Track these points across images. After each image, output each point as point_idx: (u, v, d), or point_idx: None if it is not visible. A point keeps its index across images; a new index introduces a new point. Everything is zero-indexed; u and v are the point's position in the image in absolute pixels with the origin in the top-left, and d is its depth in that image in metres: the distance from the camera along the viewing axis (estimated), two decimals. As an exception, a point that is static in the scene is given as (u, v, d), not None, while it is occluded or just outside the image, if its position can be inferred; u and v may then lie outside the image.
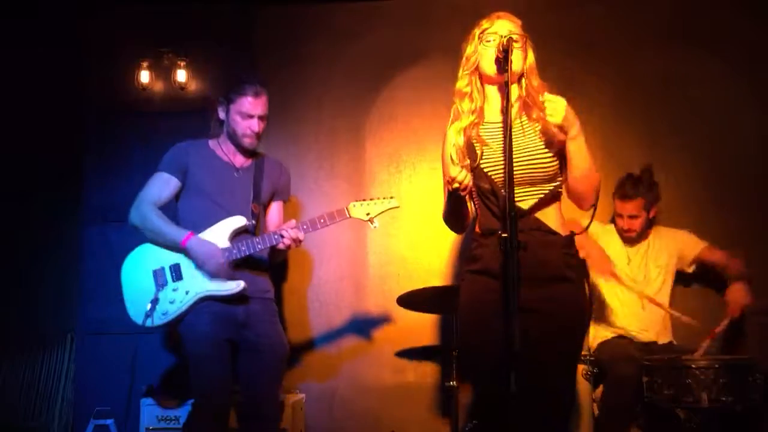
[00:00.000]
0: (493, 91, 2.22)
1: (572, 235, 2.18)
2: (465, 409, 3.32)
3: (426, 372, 3.66)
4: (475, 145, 2.17)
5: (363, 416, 3.64)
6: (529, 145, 2.12)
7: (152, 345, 3.64)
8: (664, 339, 3.24)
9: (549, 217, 2.14)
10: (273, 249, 2.82)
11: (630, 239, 3.32)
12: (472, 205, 2.27)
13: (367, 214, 2.80)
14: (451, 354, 3.18)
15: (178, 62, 3.91)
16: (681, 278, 3.40)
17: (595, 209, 2.17)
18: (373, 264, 3.81)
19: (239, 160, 2.90)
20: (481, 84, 2.22)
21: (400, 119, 3.88)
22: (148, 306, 2.70)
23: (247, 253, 2.73)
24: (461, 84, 2.23)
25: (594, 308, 3.38)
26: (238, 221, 2.77)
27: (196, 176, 2.82)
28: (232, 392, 2.71)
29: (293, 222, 2.76)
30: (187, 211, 2.84)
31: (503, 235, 1.85)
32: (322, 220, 2.76)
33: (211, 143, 2.92)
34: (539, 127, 2.14)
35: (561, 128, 2.02)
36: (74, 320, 3.85)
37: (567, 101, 2.03)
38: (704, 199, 3.57)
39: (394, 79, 3.89)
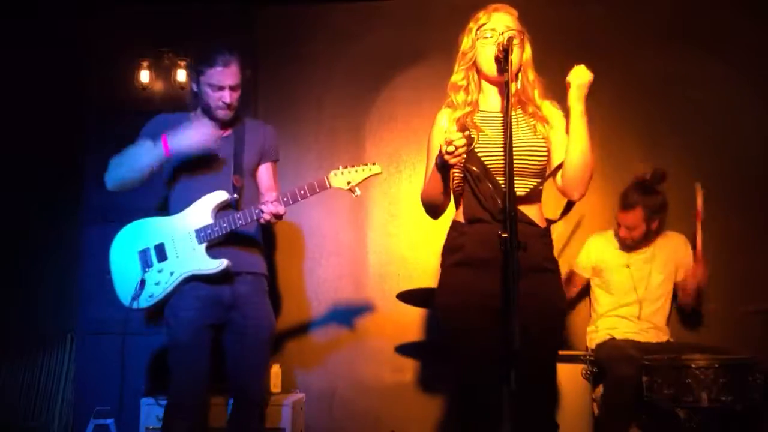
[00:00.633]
0: (489, 84, 2.23)
1: (549, 225, 2.20)
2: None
3: (426, 372, 3.65)
4: (471, 130, 2.15)
5: (363, 416, 3.64)
6: (521, 137, 2.12)
7: (152, 345, 3.65)
8: (662, 338, 3.24)
9: (531, 210, 2.15)
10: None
11: (628, 246, 3.31)
12: (451, 193, 2.24)
13: (348, 183, 2.62)
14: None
15: (178, 62, 3.91)
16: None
17: (573, 203, 2.18)
18: (373, 264, 3.81)
19: (218, 130, 2.79)
20: (478, 79, 2.22)
21: (400, 119, 3.88)
22: (135, 289, 2.65)
23: (228, 230, 2.64)
24: (457, 77, 2.23)
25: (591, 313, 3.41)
26: (220, 196, 2.68)
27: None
28: (208, 386, 2.66)
29: (273, 195, 2.67)
30: (172, 186, 2.79)
31: (503, 235, 1.84)
32: (302, 192, 2.62)
33: (192, 117, 2.83)
34: (533, 122, 2.15)
35: (578, 92, 2.04)
36: (74, 320, 3.85)
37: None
38: (704, 199, 3.56)
39: (394, 79, 3.89)
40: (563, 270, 2.75)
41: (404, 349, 3.68)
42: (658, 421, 2.91)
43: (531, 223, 2.13)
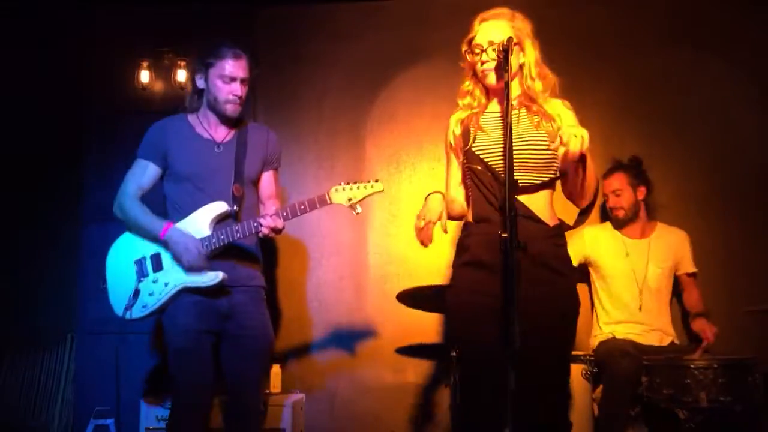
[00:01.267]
0: (492, 89, 2.24)
1: (560, 224, 2.18)
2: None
3: (426, 372, 3.66)
4: (471, 129, 2.19)
5: (363, 416, 3.64)
6: (521, 133, 2.12)
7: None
8: (665, 341, 3.25)
9: (537, 205, 2.13)
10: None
11: (621, 221, 3.31)
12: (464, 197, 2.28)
13: (349, 200, 2.57)
14: (451, 354, 3.18)
15: (178, 62, 3.91)
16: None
17: (592, 207, 2.18)
18: (373, 264, 3.81)
19: (221, 134, 2.75)
20: (483, 84, 2.25)
21: (400, 119, 3.89)
22: (129, 298, 2.64)
23: (226, 242, 2.61)
24: (465, 85, 2.28)
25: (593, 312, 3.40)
26: (219, 207, 2.64)
27: (176, 159, 2.70)
28: (212, 391, 2.65)
29: (273, 209, 2.65)
30: (172, 195, 2.75)
31: (503, 235, 1.85)
32: (302, 207, 2.59)
33: (190, 118, 2.77)
34: (536, 118, 2.15)
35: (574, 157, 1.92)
36: (74, 320, 3.85)
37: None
38: (705, 200, 3.57)
39: (394, 79, 3.89)
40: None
41: (404, 350, 3.68)
42: (658, 422, 2.91)
43: (536, 219, 2.12)
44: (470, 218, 2.22)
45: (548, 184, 2.17)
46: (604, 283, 3.34)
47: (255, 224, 2.59)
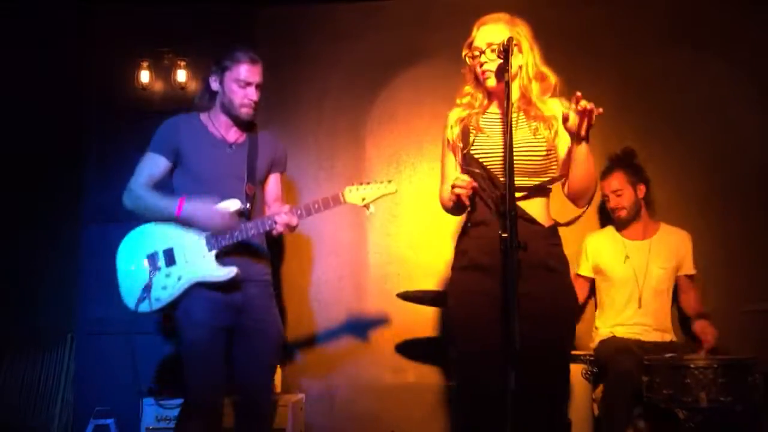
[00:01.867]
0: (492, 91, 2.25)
1: (555, 225, 2.20)
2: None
3: (426, 372, 3.65)
4: (471, 131, 2.21)
5: (363, 416, 3.64)
6: (519, 138, 2.14)
7: (152, 345, 3.64)
8: (666, 338, 3.25)
9: (533, 208, 2.16)
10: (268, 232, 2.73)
11: (624, 221, 3.32)
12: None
13: (363, 199, 2.63)
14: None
15: (178, 62, 3.92)
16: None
17: (587, 206, 2.19)
18: (373, 264, 3.81)
19: (232, 135, 2.78)
20: (484, 89, 2.26)
21: (400, 119, 3.89)
22: (141, 291, 2.64)
23: (240, 239, 2.64)
24: (466, 87, 2.30)
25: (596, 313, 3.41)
26: (234, 204, 2.66)
27: (189, 157, 2.72)
28: (224, 389, 2.65)
29: (287, 207, 2.67)
30: (181, 193, 2.74)
31: (503, 235, 1.86)
32: (316, 206, 2.65)
33: (203, 117, 2.79)
34: (534, 124, 2.17)
35: (578, 135, 2.00)
36: (74, 320, 3.86)
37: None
38: (705, 199, 3.57)
39: (394, 79, 3.90)
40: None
41: (404, 350, 3.68)
42: (658, 421, 2.91)
43: (532, 220, 2.14)
44: (468, 220, 2.24)
45: (543, 188, 2.19)
46: (605, 284, 3.34)
47: (269, 222, 2.63)
